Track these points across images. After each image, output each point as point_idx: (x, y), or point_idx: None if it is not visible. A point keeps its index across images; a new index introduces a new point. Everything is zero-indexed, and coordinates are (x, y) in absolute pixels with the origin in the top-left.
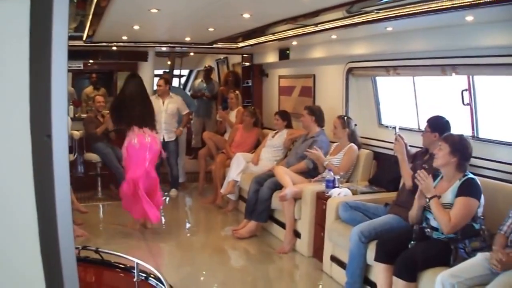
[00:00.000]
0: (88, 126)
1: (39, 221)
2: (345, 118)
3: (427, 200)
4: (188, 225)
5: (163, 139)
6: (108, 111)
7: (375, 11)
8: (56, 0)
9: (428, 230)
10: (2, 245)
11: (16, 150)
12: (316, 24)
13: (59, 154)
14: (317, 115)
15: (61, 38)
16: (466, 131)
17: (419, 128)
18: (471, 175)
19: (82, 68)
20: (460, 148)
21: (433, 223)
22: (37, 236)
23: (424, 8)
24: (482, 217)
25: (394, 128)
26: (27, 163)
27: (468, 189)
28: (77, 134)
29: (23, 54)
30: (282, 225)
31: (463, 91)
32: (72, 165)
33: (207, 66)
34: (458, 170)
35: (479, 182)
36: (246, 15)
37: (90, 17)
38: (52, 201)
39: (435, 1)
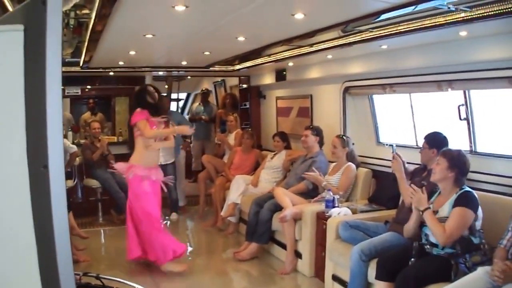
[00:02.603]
0: (85, 153)
1: (38, 250)
2: (344, 137)
3: (421, 213)
4: (189, 249)
5: (160, 162)
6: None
7: (369, 29)
8: (49, 32)
9: (428, 246)
10: (3, 274)
11: (14, 180)
12: (311, 45)
13: (56, 184)
14: (321, 135)
15: (55, 69)
16: (464, 146)
17: (417, 145)
18: (467, 188)
19: (79, 93)
20: (458, 164)
21: (432, 239)
22: (37, 265)
23: (418, 25)
24: (481, 231)
25: (392, 146)
26: (25, 193)
27: (464, 200)
28: (76, 160)
29: (18, 86)
30: (283, 246)
31: (459, 106)
32: (72, 191)
33: (204, 89)
34: (455, 185)
35: (476, 195)
36: (241, 38)
37: (86, 43)
38: (50, 229)
39: (428, 18)
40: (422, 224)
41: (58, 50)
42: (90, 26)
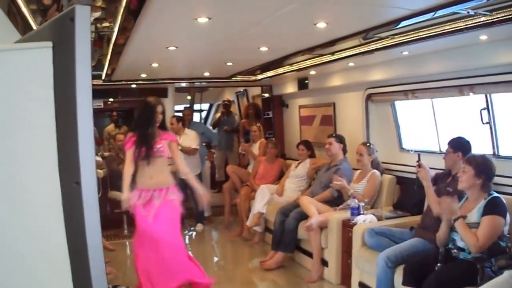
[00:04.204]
0: (111, 165)
1: (72, 266)
2: (370, 145)
3: (453, 221)
4: (215, 259)
5: None
6: None
7: (390, 36)
8: (78, 48)
9: (455, 251)
10: None
11: (46, 197)
12: (333, 53)
13: (89, 200)
14: (344, 143)
15: (84, 85)
16: (487, 150)
17: (440, 150)
18: (495, 194)
19: (102, 106)
20: (484, 170)
21: (460, 243)
22: (70, 280)
23: (438, 31)
24: (508, 235)
25: (418, 153)
26: (57, 210)
27: (494, 208)
28: (100, 172)
29: (48, 102)
30: (309, 255)
31: (481, 110)
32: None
33: (225, 100)
34: (483, 190)
35: (504, 200)
36: (264, 48)
37: (109, 56)
38: (84, 245)
39: (448, 23)
40: (450, 229)
41: (88, 66)
42: (113, 39)
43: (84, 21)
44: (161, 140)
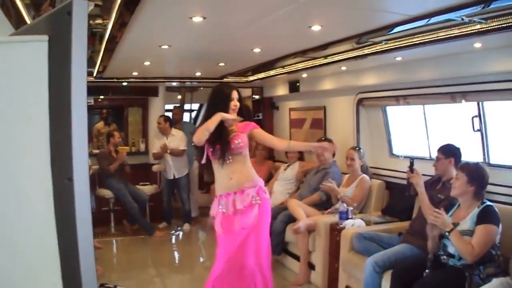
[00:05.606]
0: (102, 162)
1: (62, 261)
2: (360, 149)
3: (447, 233)
4: (201, 259)
5: (174, 176)
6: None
7: (384, 41)
8: (74, 43)
9: (444, 257)
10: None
11: (37, 193)
12: (325, 56)
13: (81, 196)
14: (335, 146)
15: (80, 80)
16: (477, 157)
17: (430, 157)
18: (488, 203)
19: (92, 103)
20: (477, 177)
21: (451, 249)
22: (60, 278)
23: (433, 37)
24: (498, 244)
25: (411, 159)
26: (48, 206)
27: (488, 216)
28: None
29: (43, 97)
30: (296, 258)
31: (473, 117)
32: None
33: None
34: (475, 198)
35: (496, 209)
36: (257, 50)
37: (101, 53)
38: (75, 243)
39: (443, 30)
40: (442, 236)
41: (83, 61)
42: (106, 36)
43: (81, 15)
44: (239, 133)
